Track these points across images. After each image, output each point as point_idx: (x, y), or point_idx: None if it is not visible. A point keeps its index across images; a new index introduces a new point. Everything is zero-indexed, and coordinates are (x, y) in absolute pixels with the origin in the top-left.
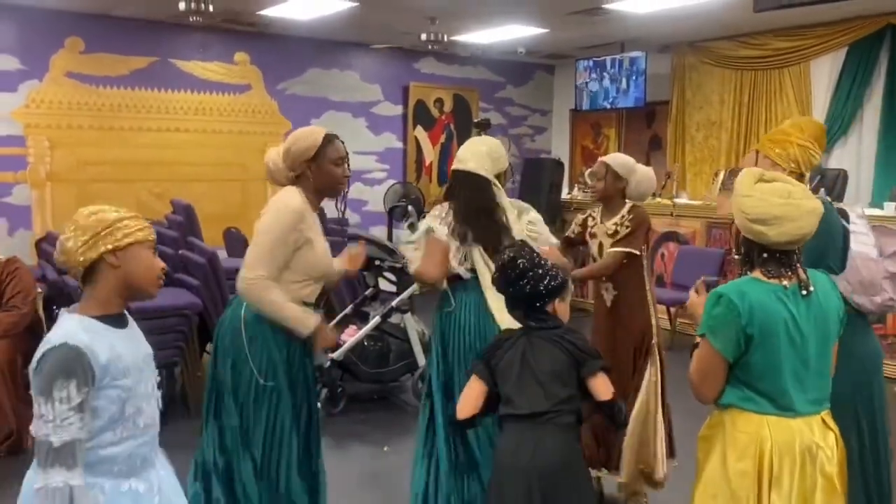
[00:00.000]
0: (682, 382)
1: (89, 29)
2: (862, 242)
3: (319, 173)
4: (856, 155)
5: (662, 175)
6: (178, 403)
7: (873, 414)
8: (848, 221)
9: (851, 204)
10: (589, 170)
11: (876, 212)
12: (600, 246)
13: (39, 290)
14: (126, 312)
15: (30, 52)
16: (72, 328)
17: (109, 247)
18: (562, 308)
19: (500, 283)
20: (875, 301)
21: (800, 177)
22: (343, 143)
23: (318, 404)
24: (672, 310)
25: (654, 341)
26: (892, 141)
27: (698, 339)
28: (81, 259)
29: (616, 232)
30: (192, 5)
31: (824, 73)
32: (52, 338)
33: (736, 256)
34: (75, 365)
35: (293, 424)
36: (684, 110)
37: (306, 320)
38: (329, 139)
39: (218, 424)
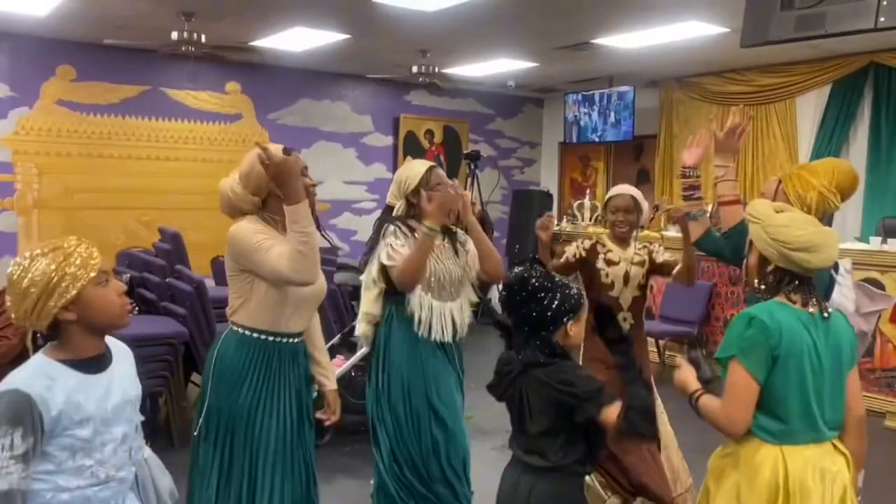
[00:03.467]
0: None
1: (81, 57)
2: (843, 295)
3: None
4: None
5: (650, 208)
6: (162, 433)
7: None
8: (836, 272)
9: (847, 258)
10: (616, 203)
11: (862, 246)
12: (626, 275)
13: None
14: (109, 352)
15: (21, 79)
16: (30, 372)
17: (60, 305)
18: (577, 330)
19: (507, 305)
20: None
21: None
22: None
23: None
24: (661, 342)
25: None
26: (877, 176)
27: (698, 392)
28: (36, 325)
29: (643, 260)
30: (185, 35)
31: (809, 109)
32: (10, 380)
33: (761, 287)
34: (23, 413)
35: (276, 461)
36: (672, 144)
37: (293, 212)
38: (287, 151)
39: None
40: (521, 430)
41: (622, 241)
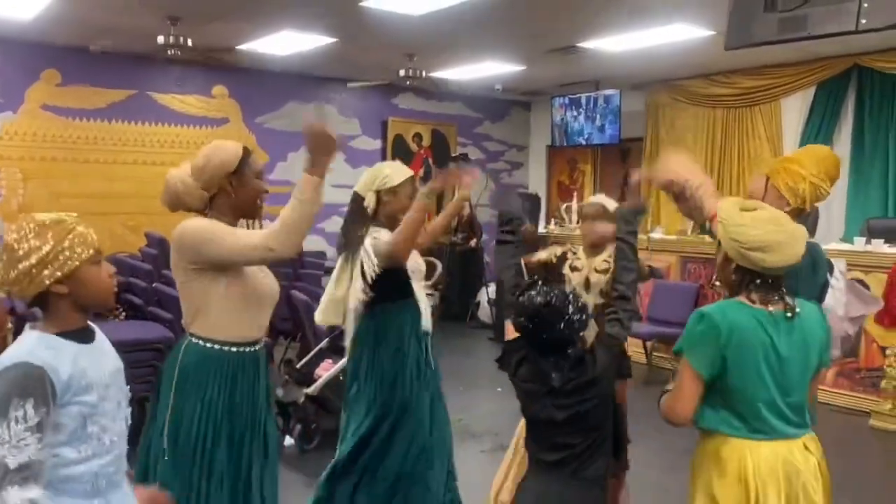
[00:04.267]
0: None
1: (67, 62)
2: (835, 298)
3: (242, 187)
4: None
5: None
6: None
7: None
8: (832, 274)
9: (835, 257)
10: (592, 216)
11: (846, 247)
12: (587, 281)
13: (10, 325)
14: (92, 326)
15: (5, 84)
16: (31, 345)
17: (54, 277)
18: (590, 334)
19: (529, 329)
20: None
21: (799, 212)
22: None
23: (278, 451)
24: (648, 344)
25: None
26: (860, 177)
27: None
28: (23, 291)
29: (609, 268)
30: (171, 39)
31: (794, 111)
32: (8, 356)
33: (717, 284)
34: (33, 384)
35: (226, 480)
36: (658, 147)
37: (300, 183)
38: (248, 151)
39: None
40: (554, 444)
41: (594, 248)
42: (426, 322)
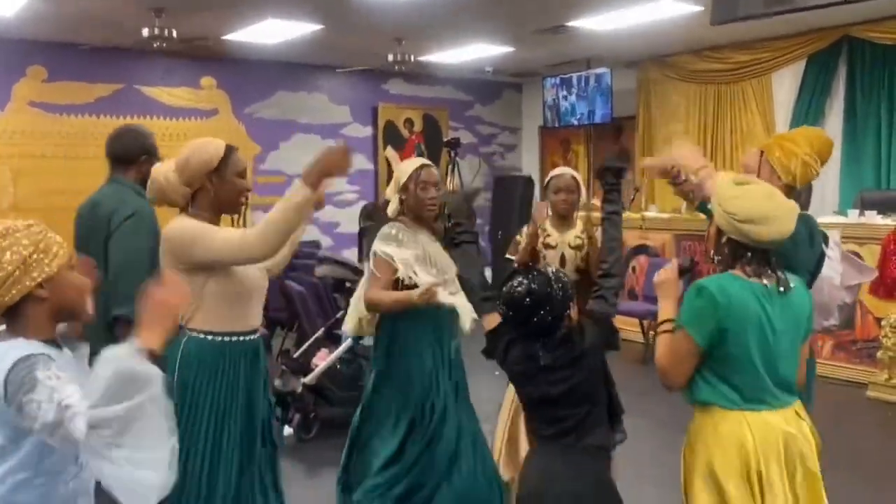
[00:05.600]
0: (656, 394)
1: (52, 57)
2: (831, 268)
3: (223, 185)
4: None
5: (631, 189)
6: None
7: None
8: (827, 245)
9: (828, 228)
10: (557, 184)
11: (840, 219)
12: (562, 257)
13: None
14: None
15: None
16: (25, 345)
17: (39, 280)
18: (575, 312)
19: (517, 318)
20: (822, 323)
21: (790, 189)
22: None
23: (280, 441)
24: (645, 322)
25: None
26: (853, 148)
27: (665, 326)
28: (3, 301)
29: (582, 244)
30: (156, 31)
31: (785, 84)
32: (8, 356)
33: (716, 258)
34: (47, 360)
35: (234, 468)
36: (651, 124)
37: (292, 190)
38: (231, 149)
39: None
40: (552, 419)
41: (563, 220)
42: (465, 323)
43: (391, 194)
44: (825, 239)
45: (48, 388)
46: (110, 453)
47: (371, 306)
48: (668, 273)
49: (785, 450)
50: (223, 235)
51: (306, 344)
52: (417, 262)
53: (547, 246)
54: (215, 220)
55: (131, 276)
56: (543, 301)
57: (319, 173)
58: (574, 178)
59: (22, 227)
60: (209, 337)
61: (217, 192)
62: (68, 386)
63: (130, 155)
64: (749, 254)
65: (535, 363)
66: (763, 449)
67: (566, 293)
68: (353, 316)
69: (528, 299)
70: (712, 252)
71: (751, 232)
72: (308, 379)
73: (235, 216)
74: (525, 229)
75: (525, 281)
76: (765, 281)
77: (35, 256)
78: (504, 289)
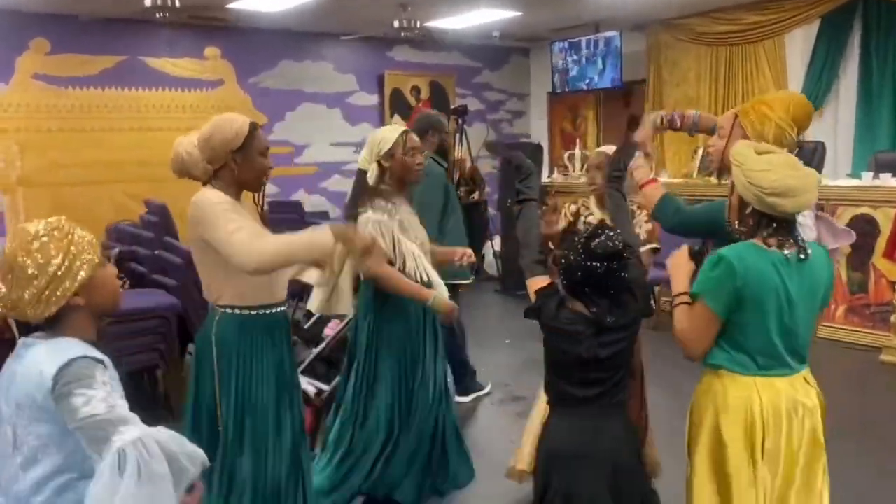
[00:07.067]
0: (668, 361)
1: (55, 30)
2: (805, 235)
3: (246, 164)
4: (832, 127)
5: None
6: (162, 405)
7: None
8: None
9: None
10: (597, 166)
11: (854, 182)
12: None
13: None
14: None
15: None
16: (79, 345)
17: (73, 289)
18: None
19: (596, 274)
20: None
21: (798, 146)
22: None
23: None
24: (655, 289)
25: None
26: (868, 111)
27: (681, 298)
28: (41, 313)
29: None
30: (158, 1)
31: (798, 45)
32: (65, 354)
33: (742, 229)
34: (104, 366)
35: (277, 439)
36: (661, 88)
37: (318, 236)
38: (254, 127)
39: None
40: (588, 381)
41: (600, 199)
42: (443, 292)
43: (368, 163)
44: None
45: (105, 390)
46: (124, 474)
47: (381, 281)
48: (679, 256)
49: (793, 414)
50: (233, 237)
51: (316, 315)
52: (400, 230)
53: (588, 225)
54: (237, 196)
55: None
56: (627, 259)
57: (344, 241)
58: (605, 154)
59: (49, 231)
60: (242, 311)
61: (240, 170)
62: (119, 398)
63: None
64: (774, 224)
65: (591, 324)
66: (769, 414)
67: (632, 257)
68: (319, 294)
69: (620, 254)
70: (736, 222)
71: (777, 204)
72: (320, 349)
73: (256, 194)
74: (562, 218)
75: (616, 238)
76: (786, 251)
77: (68, 266)
78: (591, 242)
